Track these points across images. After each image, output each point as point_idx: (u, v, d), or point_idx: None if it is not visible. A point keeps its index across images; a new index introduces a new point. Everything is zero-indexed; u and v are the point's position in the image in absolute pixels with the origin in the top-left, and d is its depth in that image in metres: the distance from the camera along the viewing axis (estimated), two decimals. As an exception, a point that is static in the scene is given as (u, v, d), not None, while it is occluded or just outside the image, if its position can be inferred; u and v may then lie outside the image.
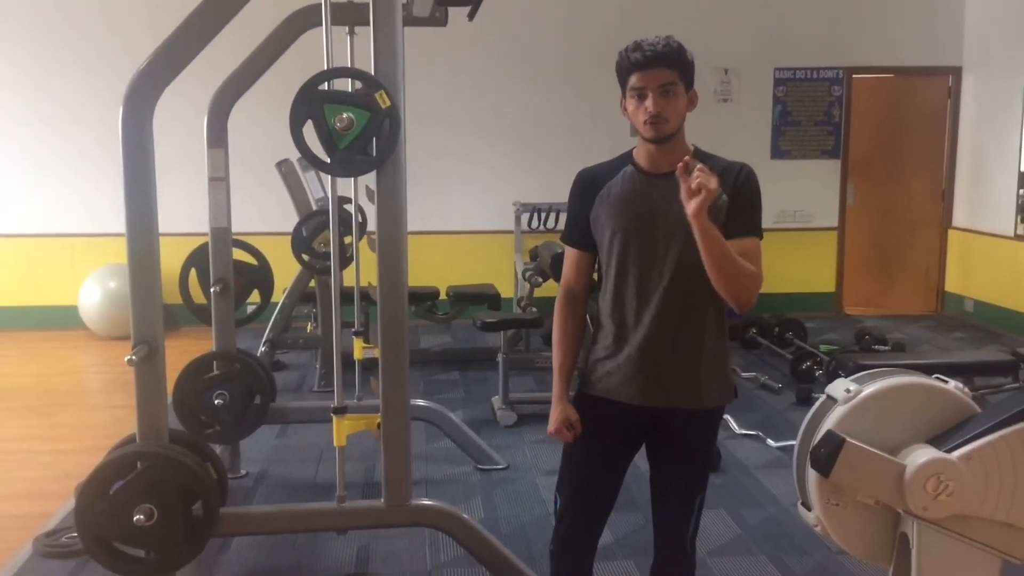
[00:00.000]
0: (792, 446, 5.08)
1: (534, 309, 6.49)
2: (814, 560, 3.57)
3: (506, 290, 7.25)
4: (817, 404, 2.25)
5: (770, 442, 4.91)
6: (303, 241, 5.67)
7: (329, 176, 3.37)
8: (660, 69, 2.30)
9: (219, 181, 4.17)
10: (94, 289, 7.40)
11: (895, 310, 8.55)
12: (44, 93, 7.59)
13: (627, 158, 2.47)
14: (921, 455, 2.07)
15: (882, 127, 8.66)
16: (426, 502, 3.31)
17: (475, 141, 8.03)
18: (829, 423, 2.15)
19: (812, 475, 2.17)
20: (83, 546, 2.98)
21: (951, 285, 8.53)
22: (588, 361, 2.51)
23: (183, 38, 2.90)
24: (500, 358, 5.39)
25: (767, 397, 5.86)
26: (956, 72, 8.35)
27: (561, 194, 2.81)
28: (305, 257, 5.73)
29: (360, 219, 4.77)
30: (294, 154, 5.79)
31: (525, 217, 7.73)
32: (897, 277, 8.78)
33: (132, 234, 2.92)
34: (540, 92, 8.02)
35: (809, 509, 2.25)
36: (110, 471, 2.91)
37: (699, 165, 2.20)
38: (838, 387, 2.20)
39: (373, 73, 2.96)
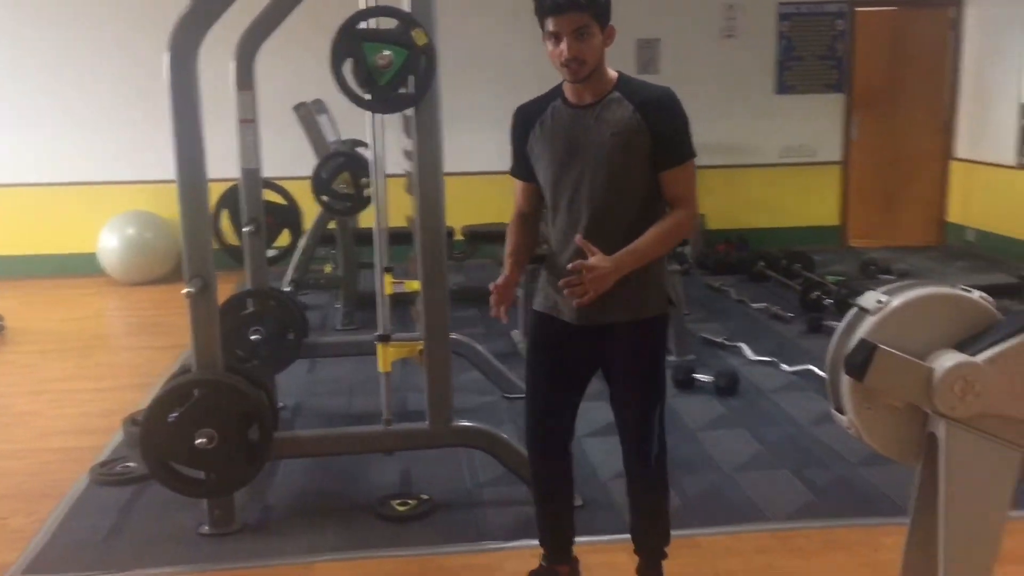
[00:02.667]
0: (805, 370, 5.25)
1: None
2: (834, 473, 3.76)
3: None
4: (849, 316, 2.38)
5: (784, 367, 5.08)
6: (323, 183, 5.76)
7: (370, 114, 3.45)
8: (572, 14, 2.37)
9: (248, 123, 4.28)
10: (112, 236, 7.49)
11: (899, 241, 8.70)
12: (61, 43, 7.58)
13: (557, 91, 2.58)
14: (949, 359, 2.22)
15: (886, 60, 8.72)
16: (467, 424, 3.48)
17: (486, 82, 7.97)
18: (862, 332, 2.29)
19: (846, 381, 2.32)
20: (148, 469, 3.16)
21: (953, 216, 8.66)
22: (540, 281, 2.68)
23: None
24: (519, 292, 5.52)
25: (778, 326, 6.02)
26: (958, 3, 8.38)
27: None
28: (324, 198, 5.82)
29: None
30: (314, 96, 5.84)
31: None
32: (901, 209, 8.90)
33: (182, 176, 3.06)
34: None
35: (843, 414, 2.40)
36: (172, 398, 3.07)
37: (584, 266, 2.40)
38: (869, 298, 2.34)
39: (409, 11, 3.07)
